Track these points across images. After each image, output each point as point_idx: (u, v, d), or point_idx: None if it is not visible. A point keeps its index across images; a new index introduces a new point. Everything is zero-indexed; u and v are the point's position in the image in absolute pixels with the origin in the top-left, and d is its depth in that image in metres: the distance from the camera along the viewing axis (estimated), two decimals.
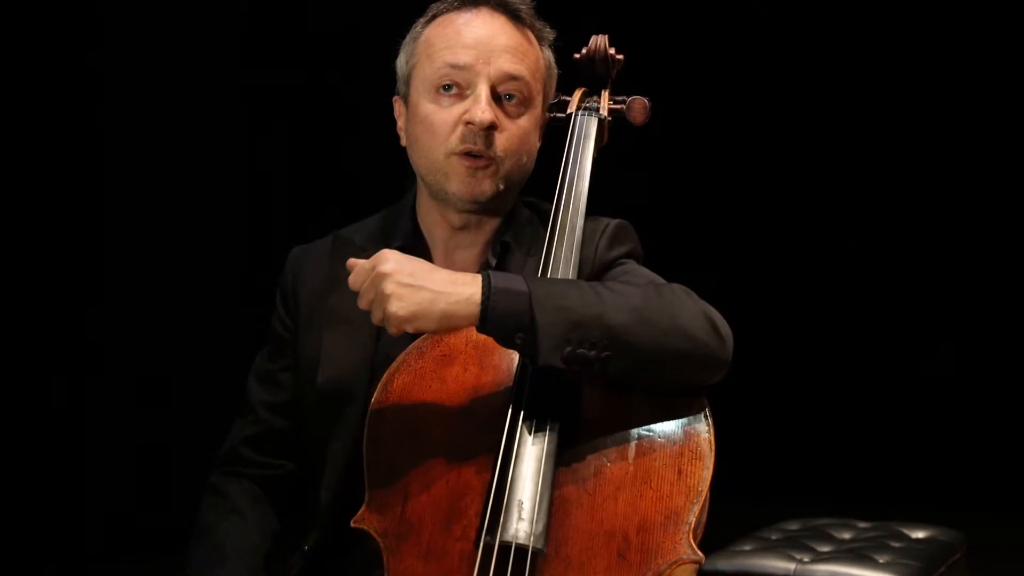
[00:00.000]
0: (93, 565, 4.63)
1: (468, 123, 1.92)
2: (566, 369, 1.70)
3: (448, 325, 1.71)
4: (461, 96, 1.94)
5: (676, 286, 1.81)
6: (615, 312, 1.70)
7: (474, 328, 1.82)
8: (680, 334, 1.72)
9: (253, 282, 4.76)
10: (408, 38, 2.03)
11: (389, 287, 1.68)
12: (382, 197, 2.18)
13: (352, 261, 1.76)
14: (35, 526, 4.55)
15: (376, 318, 1.72)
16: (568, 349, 1.68)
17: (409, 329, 1.71)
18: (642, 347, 1.70)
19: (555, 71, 2.05)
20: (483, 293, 1.69)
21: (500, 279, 1.71)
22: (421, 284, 1.69)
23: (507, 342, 1.71)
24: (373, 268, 1.71)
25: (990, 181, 5.85)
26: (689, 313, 1.75)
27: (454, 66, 1.93)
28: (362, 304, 1.73)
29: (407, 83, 2.01)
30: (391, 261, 1.71)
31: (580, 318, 1.68)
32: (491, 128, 1.92)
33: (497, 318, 1.69)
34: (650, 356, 1.71)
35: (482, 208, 1.98)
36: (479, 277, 1.71)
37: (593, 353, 1.68)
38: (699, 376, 1.76)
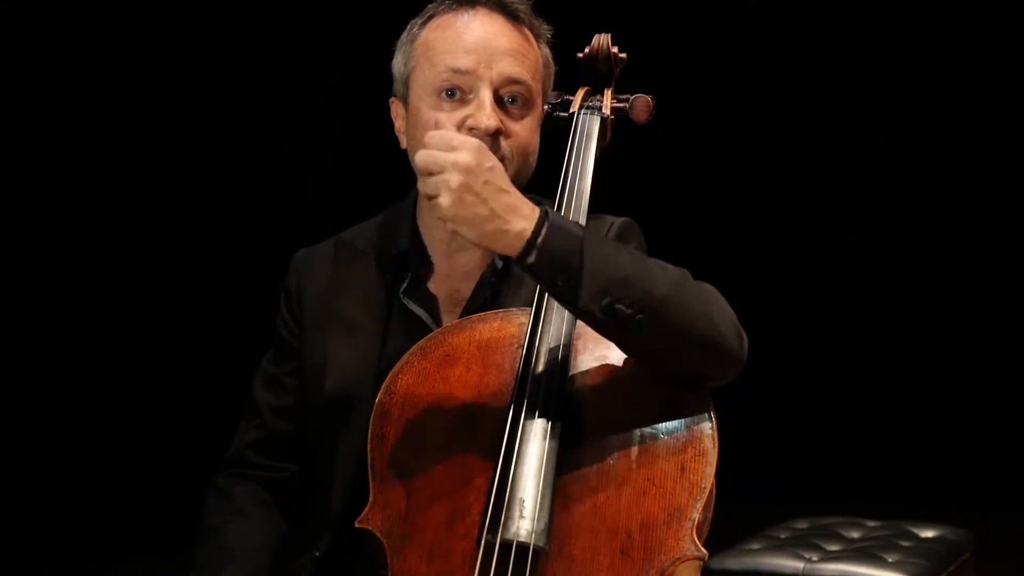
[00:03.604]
0: (94, 565, 4.63)
1: (472, 128, 1.89)
2: (599, 322, 1.69)
3: (486, 246, 1.70)
4: (464, 101, 1.92)
5: (705, 283, 1.80)
6: (658, 282, 1.70)
7: (478, 328, 1.83)
8: (710, 322, 1.72)
9: (259, 283, 4.77)
10: (404, 39, 2.00)
11: (455, 181, 1.65)
12: (383, 198, 2.17)
13: (432, 135, 1.70)
14: (36, 526, 4.56)
15: (425, 190, 1.67)
16: (607, 300, 1.66)
17: (448, 226, 1.67)
18: (675, 323, 1.70)
19: (553, 68, 2.03)
20: (535, 230, 1.66)
21: (557, 219, 1.70)
22: (485, 197, 1.65)
23: (548, 283, 1.69)
24: (453, 150, 1.66)
25: (995, 177, 5.84)
26: (719, 307, 1.76)
27: (456, 71, 1.91)
28: (422, 171, 1.67)
29: (405, 85, 1.99)
30: (474, 157, 1.66)
31: (626, 276, 1.68)
32: (496, 133, 1.90)
33: (547, 254, 1.66)
34: (680, 334, 1.70)
35: None
36: (537, 211, 1.68)
37: (630, 312, 1.67)
38: (715, 371, 1.76)
